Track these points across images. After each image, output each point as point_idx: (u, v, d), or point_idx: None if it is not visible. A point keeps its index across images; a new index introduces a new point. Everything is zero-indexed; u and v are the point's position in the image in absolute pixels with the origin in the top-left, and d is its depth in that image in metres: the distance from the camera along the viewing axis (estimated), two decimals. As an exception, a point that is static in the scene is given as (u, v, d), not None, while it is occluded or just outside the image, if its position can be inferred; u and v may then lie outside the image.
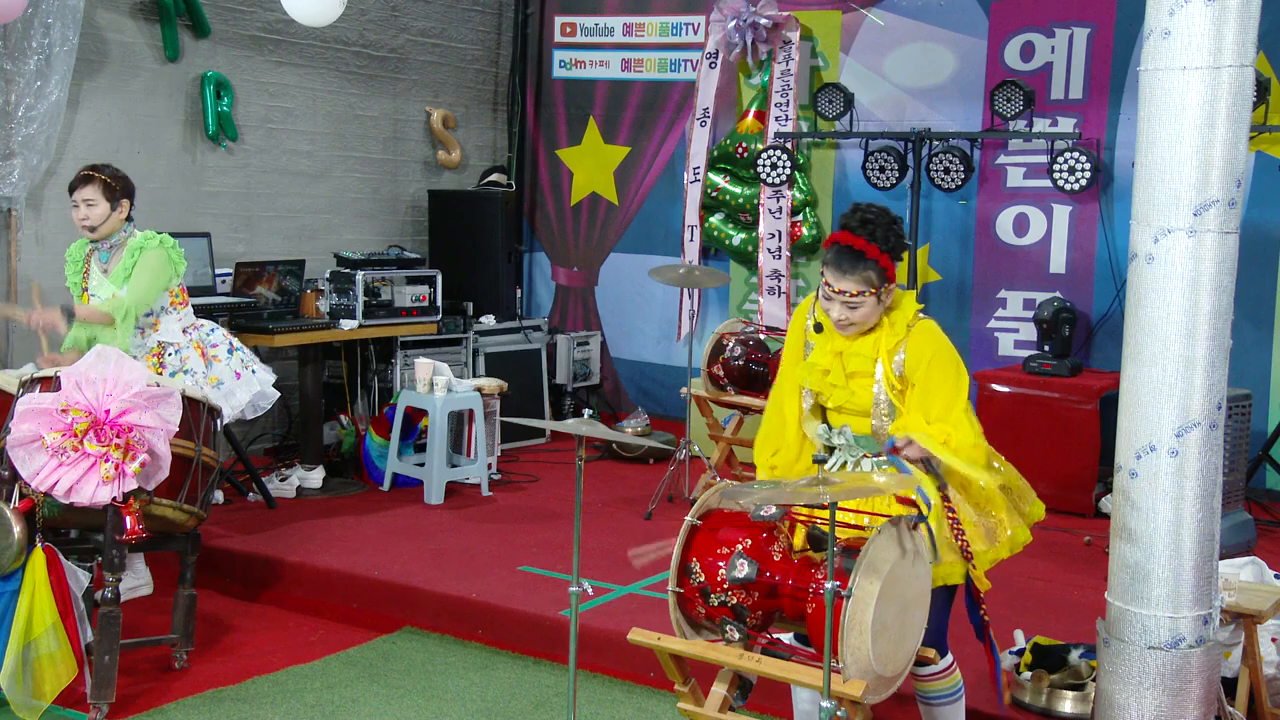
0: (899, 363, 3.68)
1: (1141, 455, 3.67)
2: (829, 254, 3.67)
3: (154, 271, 5.29)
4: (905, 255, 3.70)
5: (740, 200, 8.20)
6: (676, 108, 8.61)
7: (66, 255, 5.52)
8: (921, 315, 3.74)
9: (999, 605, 5.27)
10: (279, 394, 5.81)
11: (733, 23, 8.02)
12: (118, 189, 5.30)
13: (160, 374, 5.27)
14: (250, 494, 6.63)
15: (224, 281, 7.04)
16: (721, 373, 6.71)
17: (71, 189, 5.32)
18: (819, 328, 3.78)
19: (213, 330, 5.65)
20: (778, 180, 7.68)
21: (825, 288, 3.68)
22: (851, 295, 3.61)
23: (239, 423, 6.88)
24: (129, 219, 5.38)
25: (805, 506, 3.51)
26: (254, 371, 5.67)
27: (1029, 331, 7.38)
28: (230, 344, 5.64)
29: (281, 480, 6.82)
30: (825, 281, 3.67)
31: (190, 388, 4.76)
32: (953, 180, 7.20)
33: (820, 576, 3.37)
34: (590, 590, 3.73)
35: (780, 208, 7.96)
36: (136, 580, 5.42)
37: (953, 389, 3.65)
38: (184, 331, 5.50)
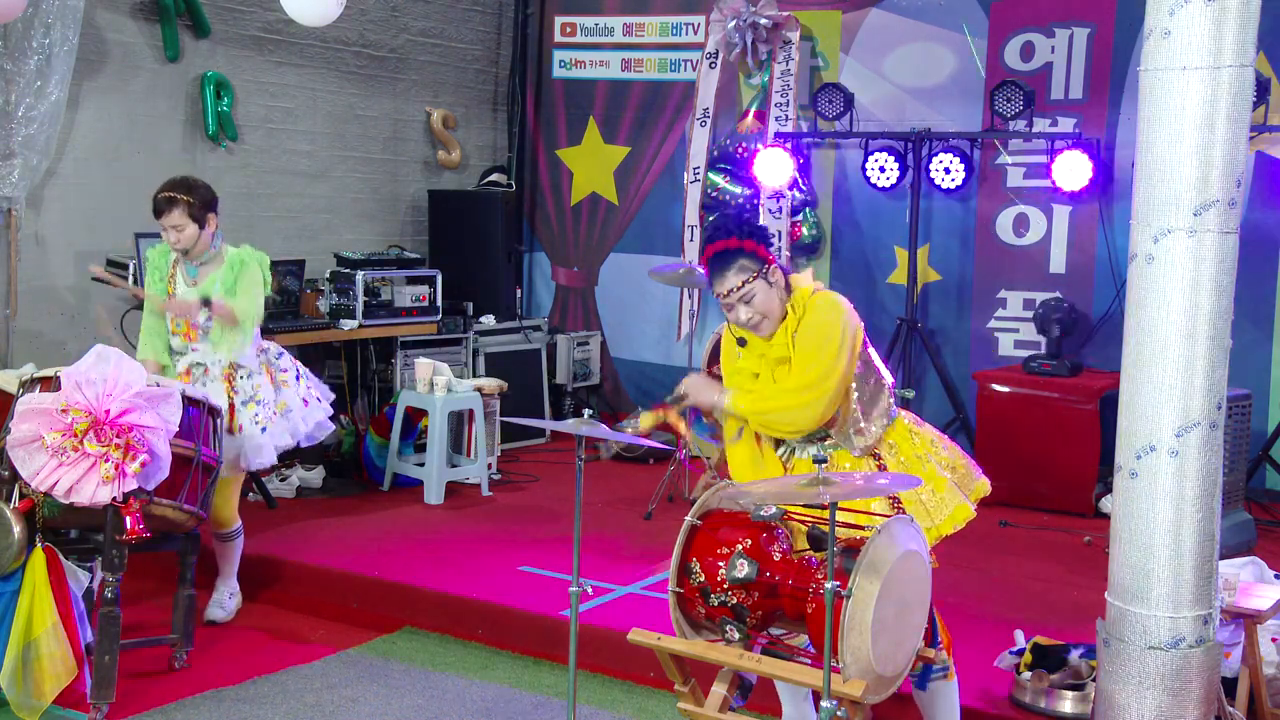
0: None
1: (1141, 455, 3.67)
2: (708, 272, 3.86)
3: (257, 288, 5.27)
4: (771, 240, 3.92)
5: (740, 200, 8.20)
6: (676, 108, 8.61)
7: (147, 257, 5.38)
8: (820, 289, 3.84)
9: (1000, 605, 5.28)
10: (334, 427, 5.64)
11: (733, 23, 8.02)
12: (200, 206, 5.18)
13: (232, 398, 5.19)
14: (250, 494, 6.62)
15: (224, 281, 7.04)
16: (721, 373, 6.69)
17: (157, 213, 5.18)
18: (742, 342, 3.92)
19: (280, 355, 5.49)
20: (778, 180, 7.68)
21: (720, 302, 3.84)
22: (737, 289, 3.76)
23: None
24: (217, 230, 5.30)
25: (804, 507, 3.52)
26: (319, 400, 5.53)
27: (1029, 331, 7.39)
28: (297, 370, 5.51)
29: (281, 480, 6.82)
30: (716, 295, 3.84)
31: (191, 389, 4.75)
32: (953, 180, 7.20)
33: (820, 576, 3.37)
34: (590, 590, 3.74)
35: (780, 208, 7.96)
36: (233, 599, 5.35)
37: (813, 356, 3.73)
38: (257, 353, 5.36)
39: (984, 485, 4.00)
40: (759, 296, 3.76)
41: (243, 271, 5.27)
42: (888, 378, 3.95)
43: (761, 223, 3.97)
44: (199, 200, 5.19)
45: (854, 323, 3.79)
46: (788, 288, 3.83)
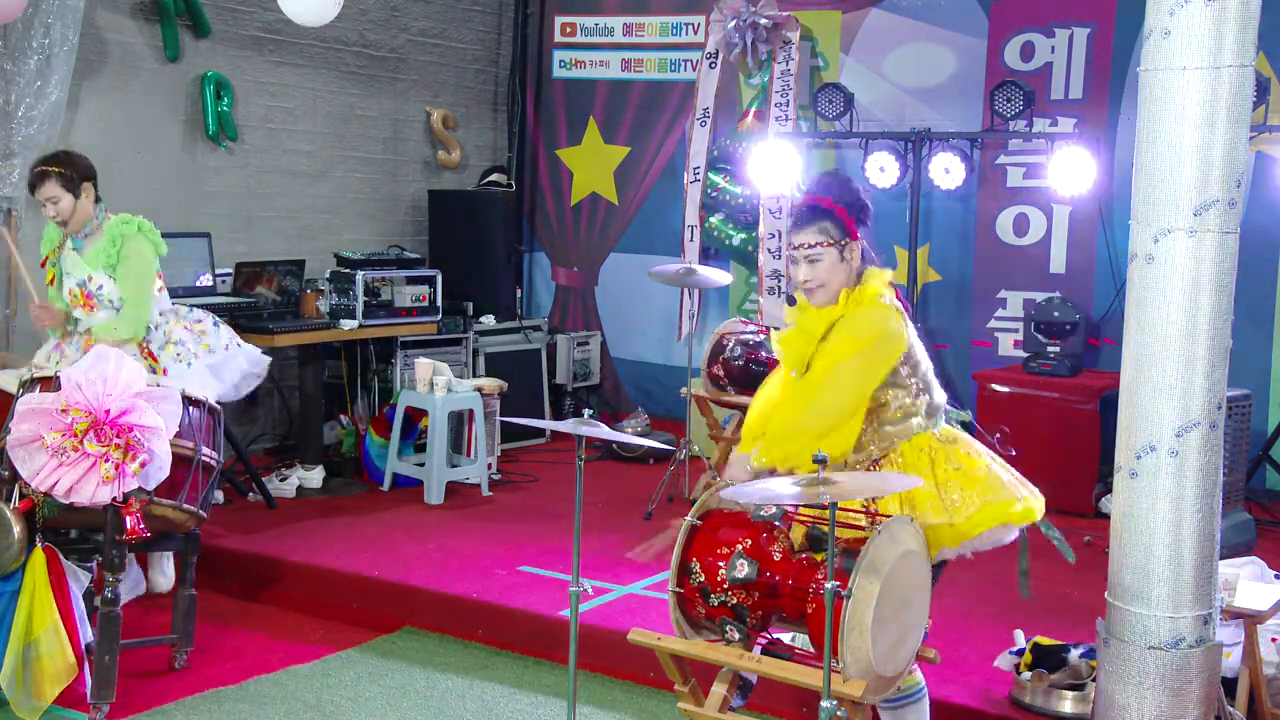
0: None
1: (1141, 455, 3.67)
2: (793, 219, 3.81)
3: (140, 272, 5.22)
4: (868, 221, 3.82)
5: (740, 200, 8.20)
6: (676, 108, 8.61)
7: (44, 231, 5.48)
8: (886, 301, 3.71)
9: (1000, 605, 5.28)
10: (268, 359, 5.71)
11: (733, 23, 8.01)
12: (74, 176, 5.17)
13: (146, 345, 5.24)
14: (250, 494, 6.62)
15: (224, 281, 7.04)
16: (721, 373, 6.70)
17: (32, 189, 5.24)
18: (792, 300, 3.82)
19: (190, 310, 5.56)
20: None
21: (790, 252, 3.78)
22: (809, 246, 3.69)
23: (239, 423, 6.88)
24: (98, 200, 5.29)
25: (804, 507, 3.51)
26: (240, 345, 5.61)
27: (1028, 331, 7.38)
28: (214, 319, 5.57)
29: (281, 480, 6.82)
30: (789, 245, 3.78)
31: (190, 388, 4.75)
32: (953, 180, 7.20)
33: (820, 576, 3.37)
34: (590, 590, 3.74)
35: (780, 208, 7.96)
36: (132, 582, 5.34)
37: (827, 370, 3.62)
38: (160, 314, 5.40)
39: (1010, 513, 3.67)
40: (825, 263, 3.69)
41: (122, 253, 5.20)
42: (919, 409, 3.72)
43: (866, 202, 3.83)
44: (72, 170, 5.19)
45: (887, 347, 3.64)
46: (859, 276, 3.74)
